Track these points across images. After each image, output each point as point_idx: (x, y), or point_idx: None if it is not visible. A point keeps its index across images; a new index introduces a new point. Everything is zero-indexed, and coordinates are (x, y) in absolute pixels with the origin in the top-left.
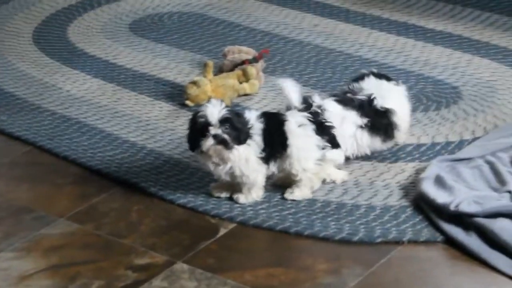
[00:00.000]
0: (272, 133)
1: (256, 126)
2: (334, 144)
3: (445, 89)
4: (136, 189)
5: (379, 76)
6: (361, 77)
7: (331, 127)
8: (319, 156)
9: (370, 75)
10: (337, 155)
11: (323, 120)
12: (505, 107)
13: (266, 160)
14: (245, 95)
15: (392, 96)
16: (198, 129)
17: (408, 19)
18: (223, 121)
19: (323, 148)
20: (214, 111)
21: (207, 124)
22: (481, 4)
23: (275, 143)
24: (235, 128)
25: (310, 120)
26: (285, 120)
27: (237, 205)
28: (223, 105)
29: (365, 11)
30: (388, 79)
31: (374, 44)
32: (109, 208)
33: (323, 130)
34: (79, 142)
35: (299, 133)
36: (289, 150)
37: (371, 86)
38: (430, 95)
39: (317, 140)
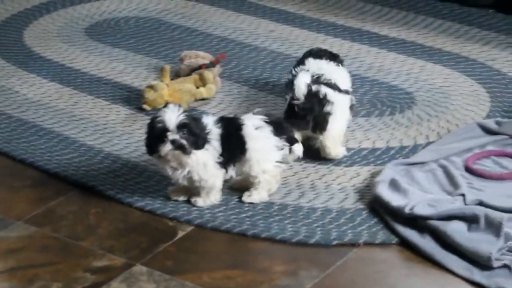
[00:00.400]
0: (229, 137)
1: (214, 131)
2: (293, 141)
3: (399, 94)
4: (93, 192)
5: (318, 56)
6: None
7: (288, 126)
8: (278, 157)
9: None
10: (300, 149)
11: (281, 120)
12: (458, 112)
13: (224, 164)
14: (202, 99)
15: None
16: (156, 134)
17: (363, 25)
18: (181, 127)
19: (281, 149)
20: (172, 117)
21: (165, 130)
22: (433, 11)
23: (233, 147)
24: (193, 133)
25: (266, 122)
26: (242, 124)
27: (195, 208)
28: (181, 110)
29: (320, 17)
30: (330, 57)
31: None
32: (66, 211)
33: (281, 130)
34: (36, 146)
35: (257, 135)
36: (248, 154)
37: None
38: (385, 101)
39: (275, 141)
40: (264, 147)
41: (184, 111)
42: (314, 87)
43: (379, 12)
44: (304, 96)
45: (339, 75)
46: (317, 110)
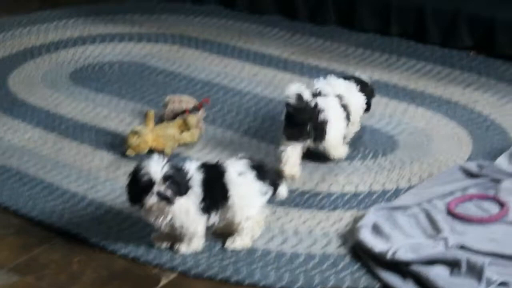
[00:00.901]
0: (212, 184)
1: (196, 177)
2: (277, 184)
3: (382, 137)
4: (77, 240)
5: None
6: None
7: (271, 169)
8: (262, 203)
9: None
10: (284, 191)
11: (263, 164)
12: (440, 155)
13: (207, 210)
14: (186, 144)
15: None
16: (141, 186)
17: (346, 68)
18: (166, 178)
19: (265, 194)
20: (157, 168)
21: (151, 182)
22: (415, 54)
23: (216, 194)
24: (177, 183)
25: (249, 167)
26: (224, 170)
27: (178, 255)
28: (165, 160)
29: (303, 60)
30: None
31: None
32: (50, 259)
33: (264, 174)
34: (20, 193)
35: (240, 182)
36: (230, 200)
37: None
38: (368, 144)
39: (259, 186)
40: (247, 193)
41: (168, 161)
42: (308, 99)
43: (361, 55)
44: (296, 99)
45: (345, 90)
46: (314, 121)
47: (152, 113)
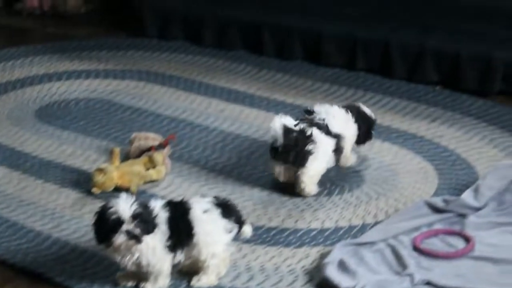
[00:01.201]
0: (177, 221)
1: (162, 215)
2: (242, 222)
3: (348, 173)
4: (41, 280)
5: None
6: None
7: (236, 207)
8: (227, 240)
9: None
10: (249, 230)
11: (228, 202)
12: (406, 190)
13: (173, 248)
14: (152, 181)
15: None
16: (109, 225)
17: (312, 103)
18: (134, 217)
19: (230, 231)
20: (126, 207)
21: (119, 221)
22: (382, 88)
23: (182, 231)
24: (145, 221)
25: (214, 204)
26: (189, 208)
27: None
28: (133, 199)
29: (270, 95)
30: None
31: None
32: None
33: (229, 212)
34: None
35: (205, 219)
36: (196, 238)
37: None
38: (334, 179)
39: (224, 223)
40: (212, 231)
41: (135, 200)
42: (302, 126)
43: (328, 90)
44: (284, 135)
45: (338, 120)
46: (300, 146)
47: (117, 150)
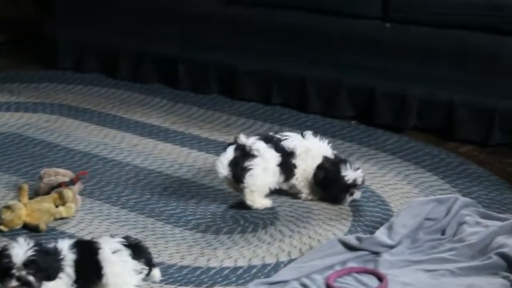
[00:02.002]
0: (85, 263)
1: (68, 257)
2: (151, 265)
3: (262, 210)
4: None
5: None
6: None
7: (147, 248)
8: (136, 282)
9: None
10: (158, 274)
11: (139, 242)
12: (320, 227)
13: None
14: (62, 218)
15: None
16: (1, 269)
17: (227, 138)
18: (28, 263)
19: (140, 272)
20: (20, 252)
21: (11, 266)
22: (297, 123)
23: (90, 273)
24: (42, 268)
25: (125, 245)
26: (98, 248)
27: None
28: (30, 244)
29: (185, 130)
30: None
31: (193, 164)
32: None
33: (139, 253)
34: None
35: (114, 260)
36: (104, 279)
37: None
38: (248, 216)
39: (133, 264)
40: (122, 272)
41: (34, 245)
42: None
43: (244, 124)
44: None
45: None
46: (240, 163)
47: (26, 186)
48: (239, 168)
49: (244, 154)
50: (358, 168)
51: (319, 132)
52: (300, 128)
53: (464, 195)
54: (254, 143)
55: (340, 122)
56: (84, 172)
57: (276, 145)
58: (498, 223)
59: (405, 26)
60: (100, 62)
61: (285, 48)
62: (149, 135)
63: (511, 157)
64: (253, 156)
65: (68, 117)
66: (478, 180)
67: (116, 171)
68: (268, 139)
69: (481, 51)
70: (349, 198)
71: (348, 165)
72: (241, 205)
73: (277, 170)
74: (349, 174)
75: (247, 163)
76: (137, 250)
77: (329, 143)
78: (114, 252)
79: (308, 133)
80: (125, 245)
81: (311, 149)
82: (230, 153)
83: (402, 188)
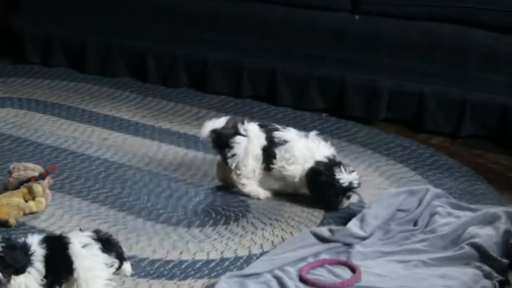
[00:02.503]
0: (55, 258)
1: (38, 252)
2: (122, 258)
3: (234, 202)
4: None
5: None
6: None
7: (117, 242)
8: (107, 275)
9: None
10: (129, 267)
11: (109, 236)
12: (292, 219)
13: (49, 286)
14: (31, 213)
15: None
16: None
17: (198, 131)
18: None
19: (111, 266)
20: None
21: None
22: (268, 116)
23: (60, 268)
24: (9, 264)
25: (94, 239)
26: (68, 243)
27: None
28: None
29: (155, 124)
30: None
31: (164, 158)
32: None
33: (110, 246)
34: None
35: (84, 254)
36: (75, 274)
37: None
38: (219, 209)
39: (104, 258)
40: (92, 266)
41: (1, 241)
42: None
43: (214, 117)
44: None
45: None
46: (224, 134)
47: None
48: (222, 136)
49: (232, 128)
50: (353, 171)
51: (290, 124)
52: (271, 121)
53: (435, 186)
54: (248, 124)
55: (311, 114)
56: (54, 166)
57: (269, 132)
58: (470, 214)
59: (374, 18)
60: (68, 56)
61: (254, 41)
62: (119, 129)
63: (482, 149)
64: (240, 134)
65: (37, 112)
66: (449, 171)
67: (86, 165)
68: (264, 126)
69: (449, 43)
70: (346, 202)
71: (342, 168)
72: (213, 198)
73: (260, 154)
74: (345, 177)
75: (231, 140)
76: (108, 244)
77: (332, 145)
78: (84, 246)
79: (312, 134)
80: (95, 239)
81: (301, 148)
82: (220, 122)
83: (373, 180)
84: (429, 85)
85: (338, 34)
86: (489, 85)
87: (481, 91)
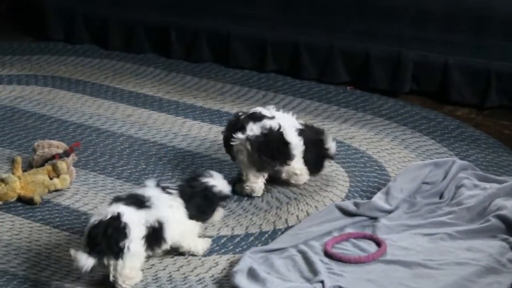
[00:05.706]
0: None
1: None
2: None
3: None
4: None
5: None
6: None
7: None
8: None
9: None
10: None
11: None
12: (317, 193)
13: None
14: (56, 190)
15: None
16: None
17: (222, 106)
18: None
19: None
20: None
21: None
22: (292, 90)
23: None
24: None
25: None
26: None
27: None
28: None
29: (179, 99)
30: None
31: (188, 134)
32: None
33: None
34: None
35: None
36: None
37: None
38: None
39: None
40: None
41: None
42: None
43: (238, 92)
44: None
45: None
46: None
47: (19, 159)
48: (230, 133)
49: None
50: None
51: (314, 98)
52: (295, 95)
53: (461, 158)
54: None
55: (336, 87)
56: (78, 143)
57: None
58: (496, 186)
59: None
60: (91, 33)
61: (277, 14)
62: (143, 105)
63: (508, 119)
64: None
65: (61, 89)
66: (475, 143)
67: (110, 142)
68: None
69: (473, 12)
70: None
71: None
72: (238, 173)
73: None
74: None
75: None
76: None
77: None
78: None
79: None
80: None
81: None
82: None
83: (399, 152)
84: (453, 56)
85: (361, 5)
86: None
87: (506, 60)
